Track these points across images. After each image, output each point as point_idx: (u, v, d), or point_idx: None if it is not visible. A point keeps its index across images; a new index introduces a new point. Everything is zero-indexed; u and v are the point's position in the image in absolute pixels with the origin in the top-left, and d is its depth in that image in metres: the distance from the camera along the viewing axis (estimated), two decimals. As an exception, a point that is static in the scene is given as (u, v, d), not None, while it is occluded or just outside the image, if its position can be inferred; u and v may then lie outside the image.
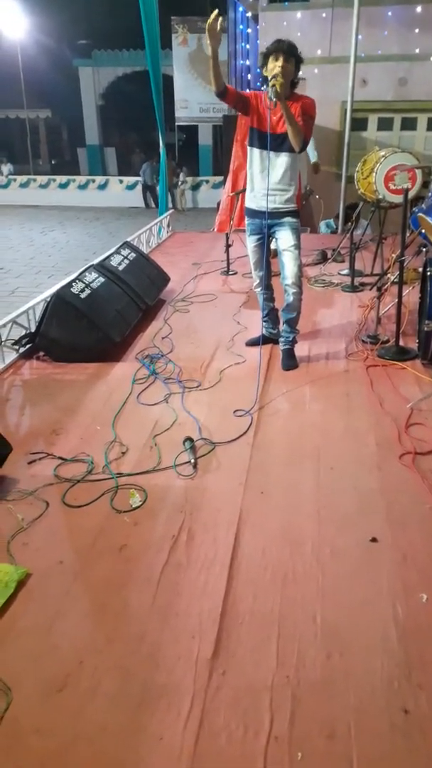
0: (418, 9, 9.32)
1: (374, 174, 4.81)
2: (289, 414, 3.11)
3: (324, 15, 9.59)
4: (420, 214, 3.39)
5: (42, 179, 18.47)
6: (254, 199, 3.46)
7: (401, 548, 2.09)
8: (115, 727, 1.51)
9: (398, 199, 4.81)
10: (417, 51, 9.57)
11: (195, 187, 17.25)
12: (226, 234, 5.95)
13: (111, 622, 1.83)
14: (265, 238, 3.55)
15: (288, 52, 3.14)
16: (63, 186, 18.11)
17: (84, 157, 22.79)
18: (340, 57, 8.63)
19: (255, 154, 3.36)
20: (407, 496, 2.38)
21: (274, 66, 3.12)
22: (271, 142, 3.24)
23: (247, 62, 12.06)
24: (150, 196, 16.65)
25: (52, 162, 25.62)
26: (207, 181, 17.33)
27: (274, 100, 3.09)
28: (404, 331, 3.76)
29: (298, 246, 3.46)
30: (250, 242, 3.63)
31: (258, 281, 3.73)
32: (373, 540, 2.13)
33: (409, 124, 10.51)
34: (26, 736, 1.50)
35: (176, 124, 17.27)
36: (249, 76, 12.27)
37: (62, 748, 1.46)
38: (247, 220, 3.60)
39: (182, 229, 8.97)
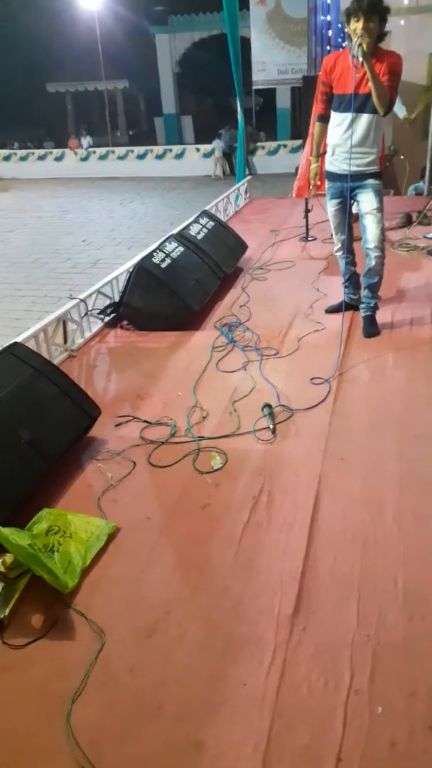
0: None
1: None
2: (370, 382, 3.07)
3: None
4: None
5: (120, 151, 18.71)
6: (335, 162, 3.37)
7: None
8: (202, 672, 1.60)
9: None
10: None
11: (272, 152, 16.91)
12: (306, 199, 5.83)
13: (195, 576, 1.93)
14: (347, 201, 3.46)
15: (369, 10, 2.97)
16: (141, 157, 18.27)
17: (161, 126, 22.83)
18: (428, 6, 8.11)
19: (336, 115, 3.27)
20: None
21: (356, 27, 2.98)
22: (353, 102, 3.14)
23: (328, 18, 11.57)
24: (229, 163, 16.49)
25: (130, 133, 25.84)
26: (285, 146, 16.94)
27: (360, 59, 2.97)
28: None
29: (380, 209, 3.36)
30: (331, 206, 3.55)
31: (339, 245, 3.66)
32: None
33: None
34: (119, 674, 1.62)
35: (254, 87, 16.89)
36: (330, 32, 11.78)
37: (154, 686, 1.57)
38: (327, 184, 3.52)
39: (260, 195, 8.85)
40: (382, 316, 3.65)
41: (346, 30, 3.12)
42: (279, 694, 1.53)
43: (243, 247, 5.11)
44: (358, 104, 3.15)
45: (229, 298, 4.35)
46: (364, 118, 3.19)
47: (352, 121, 3.19)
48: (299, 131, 11.79)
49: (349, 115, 3.18)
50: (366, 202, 3.36)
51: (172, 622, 1.76)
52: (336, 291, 4.07)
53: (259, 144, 16.76)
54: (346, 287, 3.82)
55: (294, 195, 8.07)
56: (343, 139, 3.26)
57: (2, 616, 1.79)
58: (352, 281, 3.79)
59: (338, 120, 3.27)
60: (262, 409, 2.80)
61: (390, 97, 3.10)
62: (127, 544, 2.08)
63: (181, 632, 1.73)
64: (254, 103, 18.96)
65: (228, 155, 16.45)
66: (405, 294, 4.14)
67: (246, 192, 7.83)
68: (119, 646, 1.70)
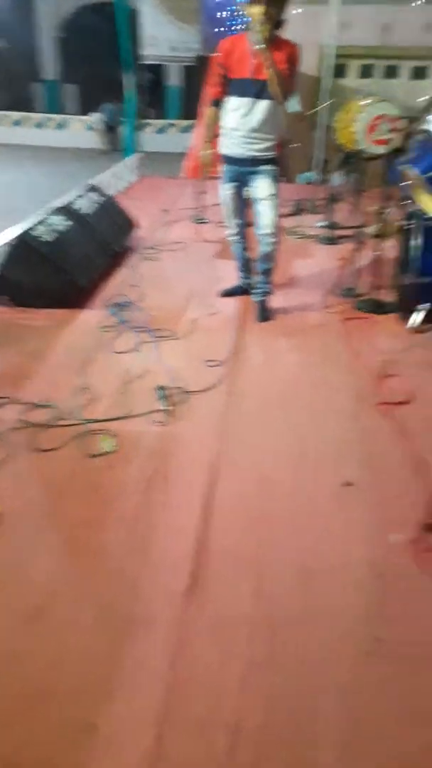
0: None
1: (355, 123, 4.84)
2: (264, 365, 3.20)
3: None
4: (406, 170, 3.45)
5: (-6, 115, 17.76)
6: (231, 146, 3.44)
7: (376, 492, 2.23)
8: (95, 653, 1.61)
9: (380, 150, 4.88)
10: (402, -5, 9.49)
11: (161, 130, 16.89)
12: (200, 181, 5.92)
13: (87, 559, 1.92)
14: (241, 186, 3.57)
15: None
16: (17, 123, 17.47)
17: (40, 93, 21.94)
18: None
19: (234, 99, 3.33)
20: (382, 444, 2.52)
21: (257, 11, 3.06)
22: (252, 87, 3.23)
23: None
24: (111, 138, 16.23)
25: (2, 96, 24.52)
26: (173, 125, 16.98)
27: (260, 45, 3.07)
28: (381, 284, 3.88)
29: (276, 195, 3.49)
30: (227, 189, 3.63)
31: (236, 230, 3.76)
32: (348, 484, 2.26)
33: (391, 73, 10.48)
34: (5, 659, 1.58)
35: (143, 62, 16.73)
36: (224, 14, 11.98)
37: (43, 670, 1.56)
38: (223, 167, 3.60)
39: (148, 173, 8.81)
40: (274, 301, 3.81)
41: (247, 12, 3.16)
42: (175, 670, 1.57)
43: (132, 225, 5.09)
44: (257, 90, 3.24)
45: (119, 277, 4.33)
46: (263, 104, 3.28)
47: (251, 106, 3.28)
48: (189, 111, 11.88)
49: (247, 100, 3.28)
50: (262, 187, 3.47)
51: (62, 604, 1.75)
52: (229, 274, 4.18)
53: (147, 121, 16.62)
54: (241, 272, 3.94)
55: (186, 175, 8.17)
56: (241, 123, 3.34)
57: None
58: (247, 266, 3.92)
59: (236, 104, 3.33)
60: (156, 391, 2.83)
61: (288, 87, 3.23)
62: (8, 531, 2.02)
63: (73, 614, 1.72)
64: (145, 78, 18.78)
65: (110, 128, 16.18)
66: (297, 280, 4.35)
67: (136, 168, 7.78)
68: (4, 631, 1.66)
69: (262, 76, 3.20)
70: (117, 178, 7.02)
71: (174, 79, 19.80)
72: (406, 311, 3.54)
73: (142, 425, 2.63)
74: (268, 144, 3.41)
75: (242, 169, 3.47)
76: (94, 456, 2.40)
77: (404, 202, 3.74)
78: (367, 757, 1.40)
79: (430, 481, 2.25)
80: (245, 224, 3.78)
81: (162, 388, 2.85)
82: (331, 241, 5.16)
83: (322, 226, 5.48)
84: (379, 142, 4.88)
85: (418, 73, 10.57)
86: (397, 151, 4.96)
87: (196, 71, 15.04)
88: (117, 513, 2.12)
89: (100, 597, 1.78)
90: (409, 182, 3.50)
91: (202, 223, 5.79)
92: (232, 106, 3.35)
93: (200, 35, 15.42)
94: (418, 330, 3.43)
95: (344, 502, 2.18)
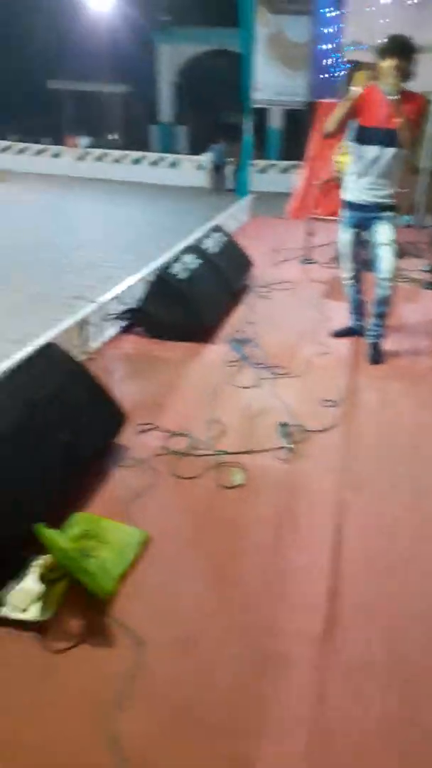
0: None
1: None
2: (379, 408, 3.13)
3: (410, 1, 9.21)
4: None
5: (116, 154, 18.54)
6: (357, 192, 3.44)
7: None
8: (243, 688, 1.61)
9: None
10: None
11: (261, 171, 17.01)
12: (307, 222, 5.91)
13: (228, 590, 1.93)
14: (360, 231, 3.55)
15: (401, 51, 3.10)
16: (136, 162, 18.15)
17: (155, 134, 22.73)
18: (427, 47, 8.29)
19: (363, 148, 3.32)
20: None
21: (389, 65, 3.09)
22: (382, 136, 3.22)
23: (330, 46, 11.73)
24: (217, 177, 16.52)
25: (123, 137, 25.62)
26: (274, 165, 17.06)
27: (393, 96, 3.07)
28: None
29: (395, 240, 3.44)
30: (347, 234, 3.61)
31: (352, 273, 3.72)
32: (473, 538, 2.16)
33: None
34: (161, 685, 1.61)
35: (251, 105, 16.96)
36: (329, 62, 11.97)
37: (196, 699, 1.57)
38: (346, 212, 3.57)
39: (257, 213, 8.90)
40: (385, 345, 3.72)
41: (379, 67, 3.15)
42: (315, 714, 1.55)
43: (250, 263, 5.14)
44: (387, 138, 3.23)
45: (238, 314, 4.37)
46: (390, 152, 3.27)
47: (379, 154, 3.27)
48: (290, 153, 11.90)
49: (376, 148, 3.27)
50: (383, 233, 3.43)
51: (209, 635, 1.76)
52: (338, 315, 4.14)
53: (250, 162, 16.81)
54: (353, 314, 3.88)
55: (290, 216, 8.18)
56: (367, 170, 3.34)
57: (46, 618, 1.76)
58: (360, 308, 3.86)
59: (363, 152, 3.32)
60: (279, 427, 2.83)
61: (415, 135, 3.21)
62: (158, 554, 2.06)
63: (219, 648, 1.73)
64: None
65: (218, 168, 16.49)
66: (404, 325, 4.24)
67: (249, 209, 7.88)
68: (158, 656, 1.69)
69: (391, 125, 3.18)
70: (233, 218, 7.13)
71: (276, 121, 19.96)
72: None
73: (267, 460, 2.63)
74: (390, 191, 3.38)
75: (365, 215, 3.44)
76: (228, 488, 2.43)
77: None
78: None
79: None
80: (361, 268, 3.74)
81: (285, 425, 2.84)
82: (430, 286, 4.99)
83: (426, 271, 5.32)
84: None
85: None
86: None
87: (300, 115, 15.11)
88: (252, 545, 2.12)
89: (243, 632, 1.78)
90: None
91: (309, 263, 5.76)
92: (360, 153, 3.34)
93: (306, 81, 15.43)
94: None
95: (470, 557, 2.09)
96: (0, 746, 1.45)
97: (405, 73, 3.11)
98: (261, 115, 19.70)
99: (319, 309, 4.52)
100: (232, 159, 15.59)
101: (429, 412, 3.08)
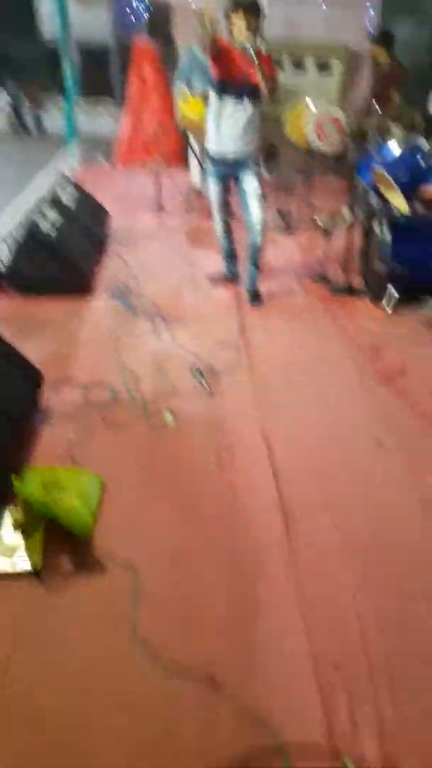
0: None
1: (306, 123, 5.30)
2: (271, 345, 3.60)
3: None
4: (378, 170, 3.94)
5: None
6: (222, 144, 3.75)
7: (402, 448, 2.72)
8: (233, 585, 1.98)
9: (330, 147, 5.38)
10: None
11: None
12: (156, 170, 6.14)
13: (192, 514, 2.27)
14: (229, 182, 3.92)
15: (251, 7, 3.43)
16: None
17: None
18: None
19: (225, 102, 3.62)
20: (393, 409, 3.01)
21: (239, 22, 3.40)
22: (244, 90, 3.58)
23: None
24: (18, 120, 15.68)
25: None
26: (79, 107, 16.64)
27: (252, 55, 3.37)
28: (348, 271, 4.39)
29: (262, 191, 3.88)
30: (215, 185, 3.95)
31: (223, 222, 4.11)
32: (379, 444, 2.74)
33: (297, 65, 10.96)
34: (163, 594, 1.92)
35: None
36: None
37: (198, 600, 1.91)
38: (212, 164, 3.90)
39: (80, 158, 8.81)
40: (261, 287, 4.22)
41: (229, 25, 3.45)
42: (301, 592, 1.98)
43: (107, 214, 5.27)
44: (248, 92, 3.58)
45: (109, 266, 4.54)
46: (251, 105, 3.63)
47: (242, 107, 3.62)
48: (91, 93, 11.77)
49: (238, 101, 3.61)
50: (251, 183, 3.83)
51: (187, 550, 2.10)
52: (208, 262, 4.56)
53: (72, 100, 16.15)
54: (227, 261, 4.30)
55: (117, 164, 8.23)
56: (229, 123, 3.66)
57: (36, 567, 1.94)
58: (233, 256, 4.28)
59: (225, 104, 3.62)
60: (193, 371, 3.17)
61: (275, 88, 3.58)
62: (117, 495, 2.32)
63: (199, 558, 2.08)
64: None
65: (16, 109, 15.64)
66: (272, 268, 4.76)
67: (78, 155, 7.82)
68: (151, 574, 1.99)
69: (251, 79, 3.50)
70: (65, 166, 7.06)
71: (72, 59, 19.27)
72: (378, 295, 4.07)
73: (190, 400, 2.97)
74: (255, 144, 3.78)
75: (231, 167, 3.81)
76: (161, 429, 2.73)
77: (370, 198, 4.25)
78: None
79: (444, 434, 2.78)
80: (230, 217, 4.14)
81: (197, 368, 3.19)
82: (287, 230, 5.61)
83: (279, 217, 5.91)
84: (328, 141, 5.37)
85: (323, 67, 11.15)
86: (342, 156, 5.51)
87: (99, 54, 14.84)
88: (199, 473, 2.47)
89: (215, 543, 2.14)
90: (380, 181, 4.01)
91: (161, 212, 6.03)
92: (225, 107, 3.63)
93: (107, 17, 15.19)
94: (392, 311, 3.97)
95: (382, 456, 2.66)
96: (35, 670, 1.66)
97: (256, 29, 3.46)
98: (55, 52, 18.85)
99: (187, 257, 4.86)
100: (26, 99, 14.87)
101: (309, 340, 3.65)
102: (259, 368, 3.31)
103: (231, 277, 4.34)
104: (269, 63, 3.53)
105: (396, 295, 3.94)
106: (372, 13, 7.58)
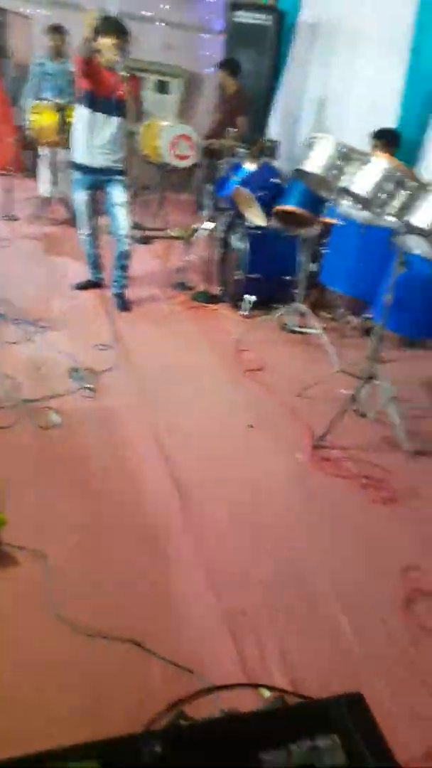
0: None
1: (159, 139, 5.61)
2: (145, 347, 3.81)
3: None
4: (237, 186, 4.32)
5: None
6: (89, 156, 3.94)
7: (272, 430, 3.07)
8: (138, 554, 2.16)
9: (183, 163, 5.74)
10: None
11: None
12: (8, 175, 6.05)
13: (91, 500, 2.41)
14: (95, 191, 4.09)
15: (119, 30, 3.67)
16: None
17: None
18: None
19: (95, 115, 3.83)
20: (259, 397, 3.37)
21: (110, 43, 3.61)
22: (113, 106, 3.81)
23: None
24: None
25: None
26: None
27: (124, 75, 3.63)
28: (206, 279, 4.75)
29: (128, 201, 4.10)
30: (82, 195, 4.11)
31: (89, 231, 4.24)
32: (250, 426, 3.07)
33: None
34: (75, 574, 2.04)
35: None
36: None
37: (109, 572, 2.06)
38: (78, 174, 4.06)
39: None
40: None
41: (97, 46, 3.65)
42: (202, 554, 2.21)
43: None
44: (116, 108, 3.82)
45: (-33, 273, 4.44)
46: (119, 120, 3.89)
47: (110, 122, 3.85)
48: None
49: (107, 116, 3.84)
50: (118, 194, 4.05)
51: (96, 532, 2.24)
52: (70, 269, 4.67)
53: None
54: (93, 267, 4.42)
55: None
56: (95, 135, 3.88)
57: None
58: (97, 262, 4.43)
59: (95, 118, 3.84)
60: (72, 373, 3.27)
61: (140, 109, 3.89)
62: (17, 494, 2.35)
63: (107, 536, 2.23)
64: None
65: None
66: (134, 277, 4.95)
67: None
68: (63, 559, 2.09)
69: (119, 96, 3.75)
70: None
71: None
72: (236, 301, 4.45)
73: (73, 402, 3.07)
74: (118, 156, 4.01)
75: (98, 178, 4.00)
76: (48, 429, 2.81)
77: (229, 212, 4.64)
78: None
79: (304, 418, 3.18)
80: (96, 225, 4.29)
81: (76, 369, 3.30)
82: (144, 241, 5.85)
83: (134, 227, 6.12)
84: (181, 158, 5.72)
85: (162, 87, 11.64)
86: (194, 165, 5.89)
87: None
88: (95, 467, 2.61)
89: (121, 522, 2.31)
90: (239, 196, 4.40)
91: (13, 219, 5.96)
92: (89, 119, 3.83)
93: None
94: (248, 316, 4.37)
95: (254, 437, 2.99)
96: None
97: (125, 51, 3.70)
98: None
99: (46, 265, 4.90)
100: None
101: (178, 342, 3.94)
102: (136, 368, 3.50)
103: (96, 283, 4.47)
104: (135, 82, 3.79)
105: (252, 300, 4.36)
106: (216, 40, 8.11)
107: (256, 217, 4.31)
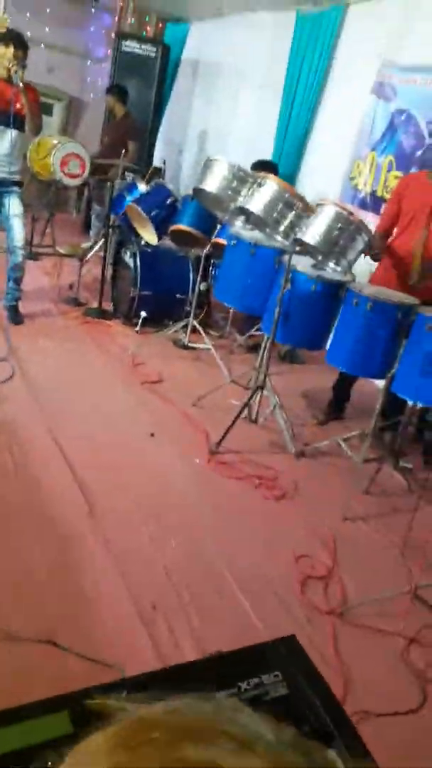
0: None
1: (51, 157, 5.61)
2: (42, 359, 3.80)
3: None
4: (131, 204, 4.43)
5: None
6: None
7: (172, 436, 3.20)
8: (55, 554, 2.19)
9: (73, 182, 5.77)
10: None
11: None
12: None
13: (2, 507, 2.39)
14: None
15: (19, 41, 3.75)
16: None
17: None
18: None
19: None
20: (158, 407, 3.50)
21: (7, 53, 3.67)
22: (9, 118, 3.78)
23: None
24: None
25: None
26: None
27: (20, 85, 3.68)
28: (98, 295, 4.80)
29: (24, 213, 4.10)
30: None
31: None
32: (152, 434, 3.18)
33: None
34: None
35: None
36: None
37: (29, 570, 2.07)
38: None
39: None
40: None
41: None
42: (111, 550, 2.28)
43: None
44: (14, 121, 3.80)
45: None
46: (16, 133, 3.88)
47: (8, 135, 3.85)
48: None
49: (4, 129, 3.83)
50: (15, 205, 4.04)
51: (10, 539, 2.24)
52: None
53: None
54: None
55: None
56: None
57: None
58: None
59: None
60: (-33, 383, 3.20)
61: (39, 123, 3.96)
62: None
63: (23, 541, 2.24)
64: None
65: None
66: (26, 292, 4.90)
67: None
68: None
69: (17, 109, 3.76)
70: None
71: None
72: (129, 317, 4.55)
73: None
74: (16, 168, 4.03)
75: None
76: None
77: (121, 230, 4.74)
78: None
79: (201, 424, 3.34)
80: None
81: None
82: (32, 257, 5.78)
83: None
84: (71, 176, 5.76)
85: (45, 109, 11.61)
86: (84, 185, 5.94)
87: None
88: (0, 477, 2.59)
89: (35, 526, 2.32)
90: (132, 215, 4.52)
91: None
92: None
93: None
94: (141, 332, 4.48)
95: (156, 444, 3.10)
96: None
97: (22, 63, 3.76)
98: None
99: None
100: None
101: (74, 355, 3.98)
102: (34, 379, 3.50)
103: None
104: (35, 95, 3.83)
105: (143, 316, 4.48)
106: (99, 67, 8.26)
107: (148, 235, 4.47)
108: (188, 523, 2.57)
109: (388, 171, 4.52)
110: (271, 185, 2.76)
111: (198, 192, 3.01)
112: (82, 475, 2.70)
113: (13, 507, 2.42)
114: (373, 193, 4.64)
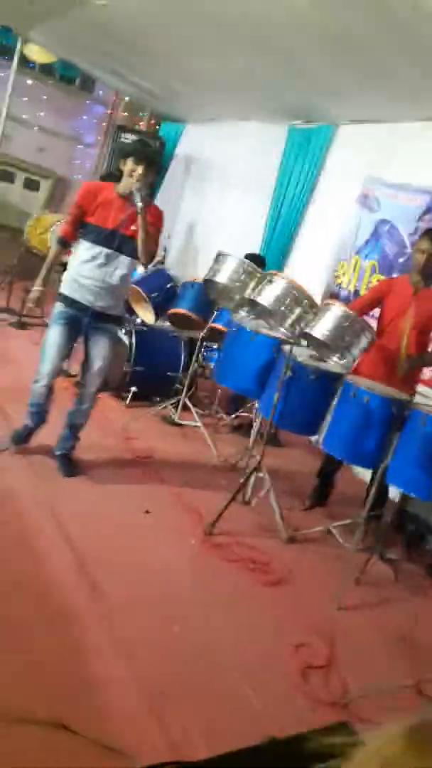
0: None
1: (50, 233, 5.78)
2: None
3: None
4: (134, 285, 4.57)
5: None
6: (79, 290, 3.16)
7: (167, 515, 3.18)
8: (56, 631, 2.11)
9: (68, 258, 5.92)
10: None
11: None
12: None
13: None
14: (77, 333, 3.29)
15: (152, 160, 3.16)
16: None
17: None
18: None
19: (91, 247, 3.11)
20: (151, 483, 3.48)
21: (136, 170, 3.04)
22: (116, 241, 3.10)
23: None
24: None
25: None
26: None
27: (140, 205, 2.97)
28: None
29: (109, 357, 3.37)
30: (59, 328, 3.22)
31: (49, 375, 3.30)
32: (147, 512, 3.15)
33: (7, 177, 11.49)
34: None
35: None
36: None
37: (29, 639, 1.98)
38: (61, 306, 3.23)
39: None
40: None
41: (122, 167, 3.13)
42: (113, 634, 2.21)
43: None
44: (119, 243, 3.11)
45: None
46: (125, 260, 3.15)
47: (109, 258, 3.11)
48: None
49: (105, 251, 3.10)
50: (102, 347, 3.31)
51: (11, 616, 2.16)
52: None
53: None
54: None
55: None
56: (98, 273, 3.12)
57: None
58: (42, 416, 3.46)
59: (92, 253, 3.11)
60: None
61: (154, 249, 3.18)
62: None
63: (25, 621, 2.15)
64: None
65: None
66: (11, 359, 4.90)
67: None
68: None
69: (127, 231, 3.08)
70: None
71: None
72: (119, 392, 4.59)
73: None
74: (119, 302, 3.30)
75: (85, 319, 3.21)
76: None
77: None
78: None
79: (195, 506, 3.33)
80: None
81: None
82: (20, 326, 5.82)
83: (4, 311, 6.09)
84: (68, 253, 5.90)
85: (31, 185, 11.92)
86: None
87: None
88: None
89: (36, 604, 2.24)
90: (132, 294, 4.64)
91: None
92: (88, 254, 3.13)
93: None
94: (130, 406, 4.51)
95: (151, 522, 3.07)
96: None
97: (149, 183, 3.12)
98: None
99: None
100: None
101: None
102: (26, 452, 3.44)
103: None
104: (156, 219, 3.16)
105: (134, 390, 4.52)
106: (87, 152, 8.69)
107: (146, 314, 4.58)
108: (187, 608, 2.52)
109: (371, 274, 4.83)
110: (281, 282, 2.93)
111: (208, 282, 3.14)
112: (81, 554, 2.63)
113: (11, 586, 2.33)
114: (356, 292, 4.92)
